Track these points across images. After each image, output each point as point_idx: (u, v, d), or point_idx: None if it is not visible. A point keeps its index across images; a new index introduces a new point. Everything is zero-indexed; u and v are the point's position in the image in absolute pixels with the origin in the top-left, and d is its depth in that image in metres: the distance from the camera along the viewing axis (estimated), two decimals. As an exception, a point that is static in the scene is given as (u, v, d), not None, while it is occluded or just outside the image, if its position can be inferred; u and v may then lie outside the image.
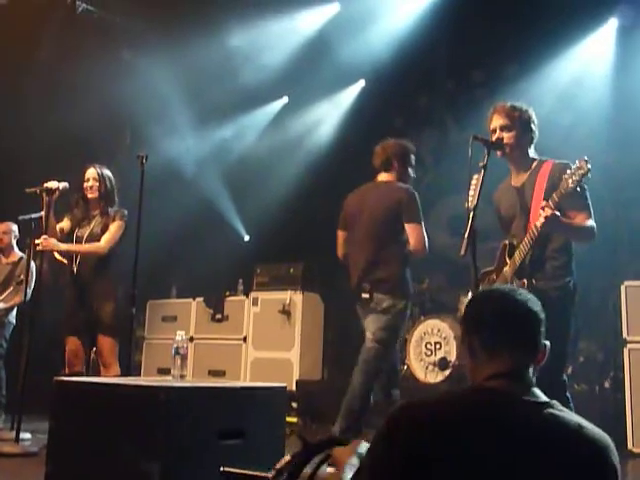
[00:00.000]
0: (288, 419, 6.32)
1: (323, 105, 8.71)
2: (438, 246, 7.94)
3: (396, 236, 4.66)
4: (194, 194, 8.19)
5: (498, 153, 3.70)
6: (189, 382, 3.59)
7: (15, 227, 6.51)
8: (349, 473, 1.66)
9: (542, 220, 3.37)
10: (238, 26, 7.46)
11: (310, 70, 7.94)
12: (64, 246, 5.01)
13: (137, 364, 7.76)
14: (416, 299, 7.21)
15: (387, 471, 1.49)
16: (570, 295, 3.60)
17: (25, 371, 4.85)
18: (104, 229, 5.02)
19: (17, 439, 4.63)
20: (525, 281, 3.54)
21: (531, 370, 1.64)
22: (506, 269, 3.64)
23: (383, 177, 4.88)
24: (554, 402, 1.59)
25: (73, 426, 3.03)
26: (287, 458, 1.78)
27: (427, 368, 6.59)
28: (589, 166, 3.29)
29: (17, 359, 5.26)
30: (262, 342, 7.50)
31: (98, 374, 4.91)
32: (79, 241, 5.06)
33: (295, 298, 7.42)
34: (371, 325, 4.59)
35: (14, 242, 6.58)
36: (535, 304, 1.69)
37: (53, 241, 4.91)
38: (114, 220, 5.08)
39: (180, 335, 3.59)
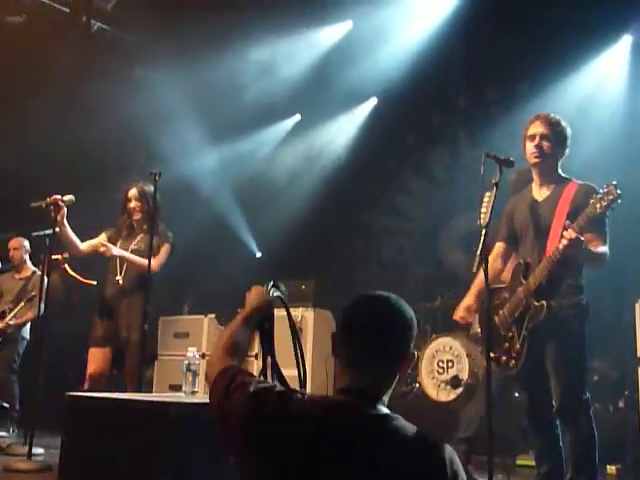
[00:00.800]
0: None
1: (335, 122, 8.75)
2: (451, 263, 7.94)
3: None
4: (207, 211, 8.22)
5: (532, 161, 3.68)
6: (200, 398, 3.58)
7: (26, 242, 6.55)
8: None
9: (565, 243, 3.37)
10: (251, 42, 7.52)
11: (323, 87, 7.99)
12: (125, 253, 5.07)
13: (149, 380, 7.76)
14: (428, 316, 7.20)
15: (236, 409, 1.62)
16: (585, 313, 3.61)
17: (37, 386, 4.86)
18: (150, 247, 4.94)
19: (30, 455, 4.63)
20: (544, 302, 3.54)
21: (393, 380, 1.69)
22: (520, 289, 3.64)
23: None
24: (396, 415, 1.62)
25: (85, 441, 3.03)
26: None
27: (439, 386, 6.54)
28: (619, 191, 3.30)
29: (31, 374, 5.27)
30: (274, 359, 7.47)
31: (117, 389, 4.91)
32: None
33: (307, 315, 7.40)
34: None
35: (26, 257, 6.63)
36: (402, 314, 1.68)
37: (112, 246, 5.01)
38: (163, 242, 5.16)
39: (192, 352, 3.60)
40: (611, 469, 5.28)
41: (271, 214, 8.34)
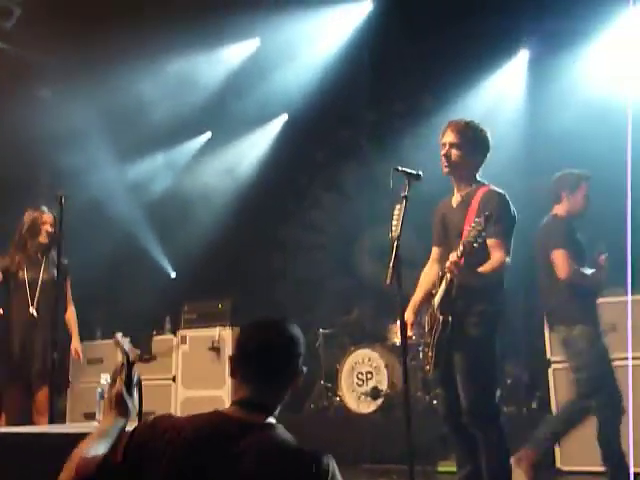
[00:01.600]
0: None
1: (247, 139, 8.74)
2: (365, 276, 8.04)
3: None
4: (119, 232, 8.04)
5: (444, 170, 3.74)
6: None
7: None
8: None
9: (447, 265, 3.47)
10: (159, 61, 7.43)
11: (233, 104, 7.98)
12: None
13: (62, 410, 7.49)
14: (346, 329, 7.25)
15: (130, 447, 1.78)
16: (493, 322, 3.69)
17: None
18: (53, 276, 4.96)
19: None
20: (448, 319, 3.59)
21: (285, 395, 1.92)
22: (433, 300, 3.73)
23: None
24: (279, 425, 1.83)
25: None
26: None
27: (359, 398, 6.59)
28: (483, 224, 3.32)
29: None
30: (192, 381, 7.35)
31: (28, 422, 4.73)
32: (32, 286, 5.00)
33: (224, 334, 7.32)
34: None
35: None
36: (289, 337, 1.91)
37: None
38: (65, 276, 5.14)
39: (105, 378, 3.49)
40: (527, 469, 5.42)
41: (185, 233, 8.24)
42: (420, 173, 3.63)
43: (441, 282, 3.68)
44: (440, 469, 5.50)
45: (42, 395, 4.80)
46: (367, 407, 6.55)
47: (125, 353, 2.13)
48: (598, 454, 4.42)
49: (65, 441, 2.87)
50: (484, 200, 3.65)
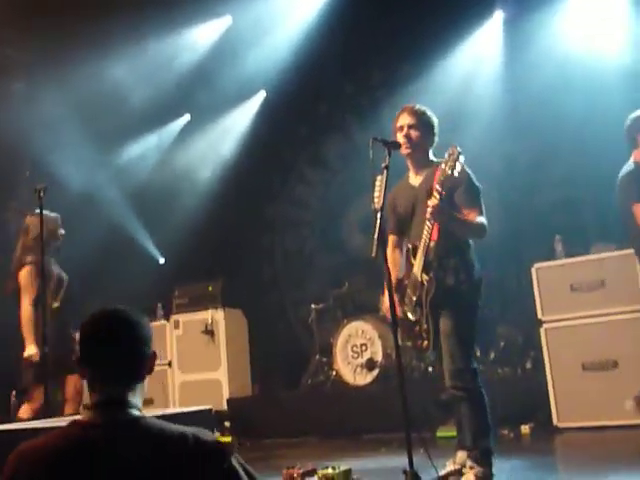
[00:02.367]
0: (222, 439, 6.22)
1: (227, 118, 8.66)
2: (354, 248, 8.05)
3: None
4: (103, 221, 7.97)
5: (403, 151, 3.79)
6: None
7: None
8: None
9: (430, 210, 3.50)
10: (131, 46, 7.32)
11: (210, 84, 7.88)
12: None
13: (62, 401, 7.49)
14: (337, 303, 7.26)
15: None
16: (475, 287, 3.74)
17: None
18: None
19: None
20: (432, 275, 3.66)
21: (142, 382, 1.80)
22: (414, 270, 3.73)
23: None
24: (146, 415, 1.74)
25: None
26: None
27: (355, 371, 6.62)
28: (459, 149, 3.46)
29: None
30: (188, 365, 7.37)
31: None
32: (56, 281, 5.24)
33: (217, 316, 7.33)
34: None
35: None
36: (133, 322, 1.81)
37: None
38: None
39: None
40: (525, 429, 5.49)
41: (170, 218, 8.18)
42: (399, 141, 3.63)
43: (415, 254, 3.73)
44: (439, 434, 5.55)
45: (78, 384, 5.03)
46: (363, 379, 6.58)
47: None
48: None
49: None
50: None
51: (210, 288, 7.51)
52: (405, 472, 3.23)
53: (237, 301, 7.63)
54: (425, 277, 3.68)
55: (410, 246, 3.82)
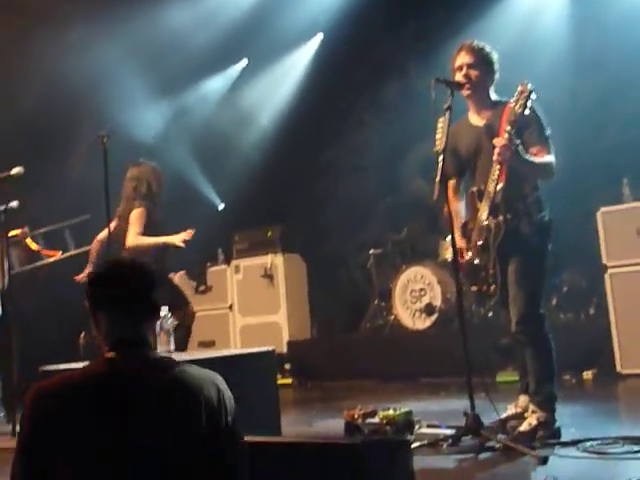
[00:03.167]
0: (283, 381, 6.36)
1: (285, 63, 8.58)
2: (414, 194, 7.95)
3: None
4: (162, 167, 8.06)
5: (463, 92, 3.66)
6: (175, 357, 3.57)
7: None
8: None
9: (497, 151, 3.37)
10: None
11: (267, 29, 7.79)
12: None
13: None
14: (396, 248, 7.24)
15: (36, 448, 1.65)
16: (545, 230, 3.63)
17: (12, 363, 4.82)
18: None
19: (14, 433, 4.61)
20: (500, 219, 3.54)
21: (152, 329, 1.88)
22: (480, 214, 3.63)
23: None
24: (168, 357, 1.83)
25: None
26: None
27: (414, 315, 6.63)
28: (530, 86, 3.30)
29: (4, 351, 5.21)
30: (248, 308, 7.50)
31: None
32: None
33: (276, 261, 7.41)
34: None
35: None
36: (141, 272, 1.83)
37: None
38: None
39: (163, 310, 3.56)
40: (587, 375, 5.44)
41: (229, 163, 8.23)
42: (462, 81, 3.53)
43: (481, 197, 3.60)
44: (499, 379, 5.54)
45: None
46: (422, 323, 6.59)
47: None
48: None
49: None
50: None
51: (269, 233, 7.57)
52: (466, 414, 3.24)
53: (296, 246, 7.68)
54: (492, 221, 3.56)
55: (475, 189, 3.67)
